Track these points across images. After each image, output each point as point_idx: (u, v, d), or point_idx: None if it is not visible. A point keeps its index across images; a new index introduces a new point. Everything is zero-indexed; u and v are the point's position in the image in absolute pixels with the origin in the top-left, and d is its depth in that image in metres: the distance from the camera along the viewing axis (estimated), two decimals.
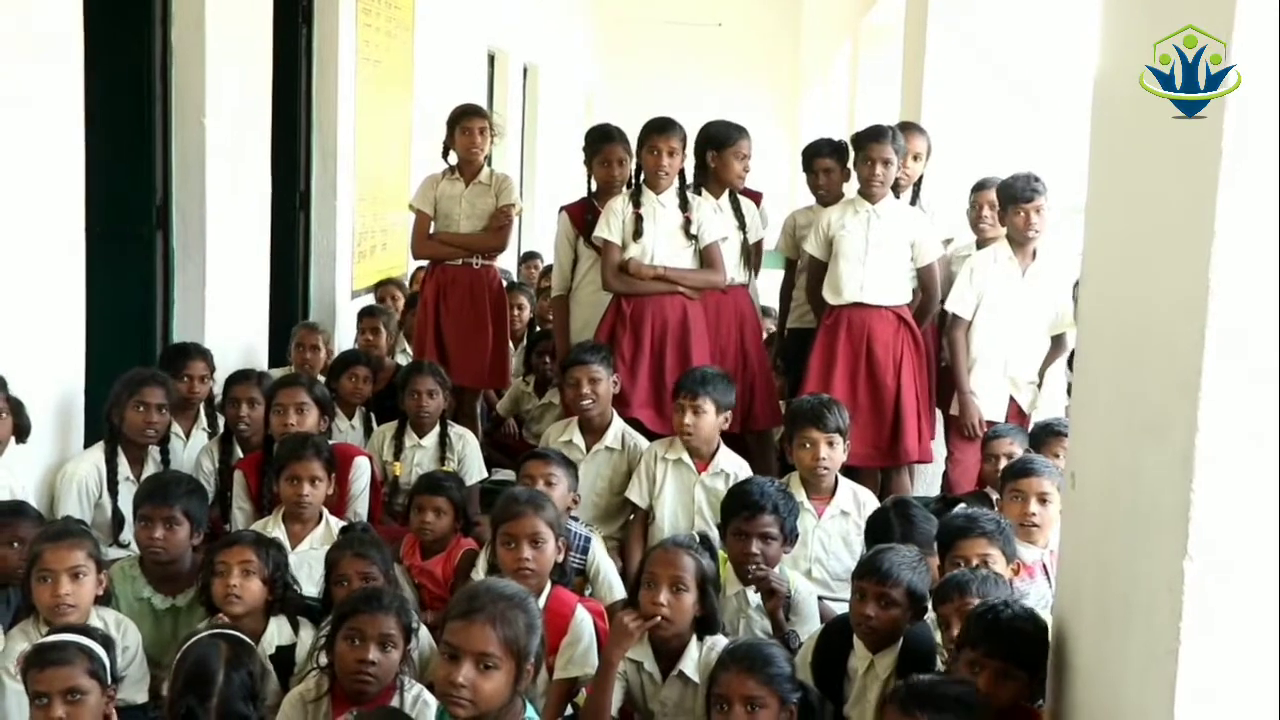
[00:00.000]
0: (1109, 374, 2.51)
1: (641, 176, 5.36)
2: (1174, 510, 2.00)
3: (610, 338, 5.30)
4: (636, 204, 5.29)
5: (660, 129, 5.29)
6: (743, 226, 5.55)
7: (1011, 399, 5.33)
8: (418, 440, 5.19)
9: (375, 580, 3.52)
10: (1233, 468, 1.95)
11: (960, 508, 4.29)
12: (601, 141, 5.70)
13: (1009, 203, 5.27)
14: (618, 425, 4.97)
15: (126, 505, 4.28)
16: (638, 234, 5.25)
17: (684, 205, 5.31)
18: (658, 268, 5.26)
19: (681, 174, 5.36)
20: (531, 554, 3.53)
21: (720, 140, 5.53)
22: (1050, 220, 5.20)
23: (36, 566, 3.30)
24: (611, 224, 5.30)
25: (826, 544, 4.42)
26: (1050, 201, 5.20)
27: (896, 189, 5.44)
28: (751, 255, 5.63)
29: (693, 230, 5.28)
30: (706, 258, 5.34)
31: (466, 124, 5.90)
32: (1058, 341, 5.32)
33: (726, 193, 5.55)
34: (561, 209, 5.89)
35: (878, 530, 4.02)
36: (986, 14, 7.47)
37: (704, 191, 5.52)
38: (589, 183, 5.81)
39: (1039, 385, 5.34)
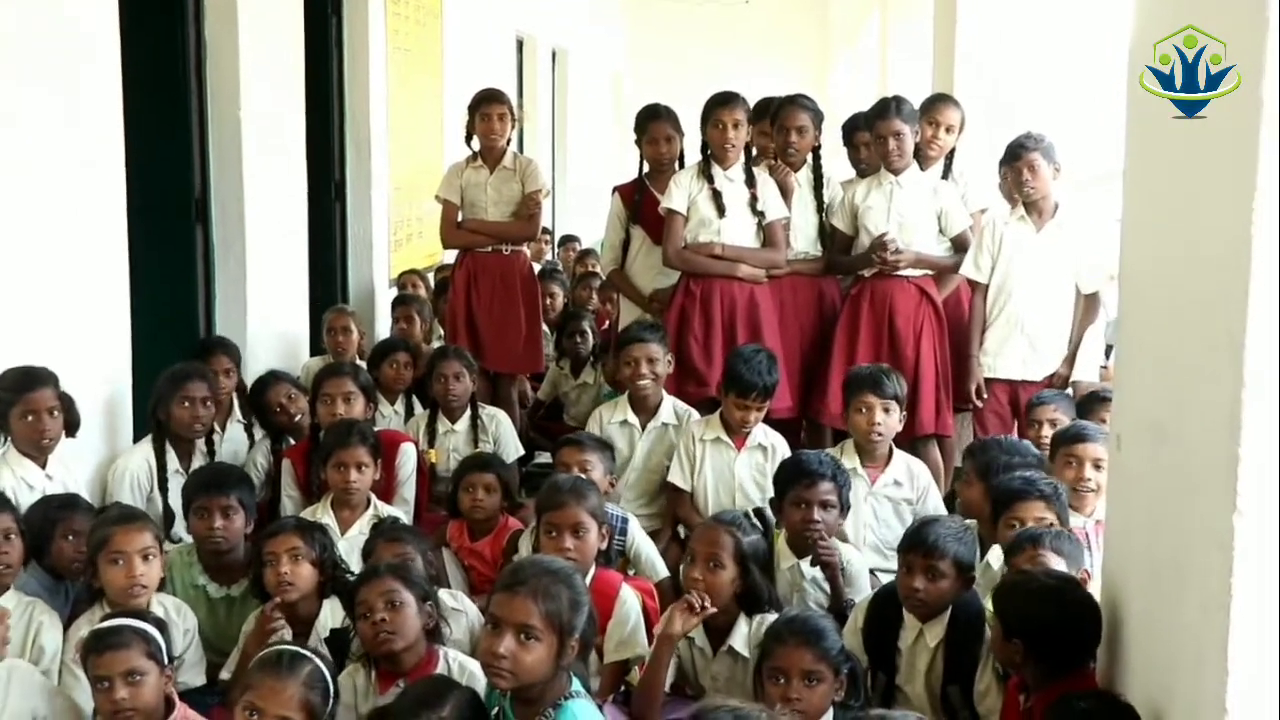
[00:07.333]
0: (1152, 332, 2.50)
1: (708, 151, 5.29)
2: (1222, 466, 1.99)
3: (680, 317, 5.27)
4: (710, 179, 5.24)
5: (723, 102, 5.24)
6: (821, 205, 5.43)
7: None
8: (450, 425, 5.20)
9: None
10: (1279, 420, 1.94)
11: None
12: (649, 120, 5.69)
13: (1005, 164, 5.25)
14: (669, 400, 4.95)
15: (175, 499, 4.32)
16: (721, 211, 5.20)
17: (750, 181, 5.26)
18: (716, 247, 5.21)
19: (747, 149, 5.31)
20: (574, 543, 3.53)
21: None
22: (1048, 175, 5.09)
23: (106, 550, 3.34)
24: (675, 195, 5.25)
25: (878, 511, 4.40)
26: (1051, 158, 5.09)
27: (926, 160, 5.40)
28: (828, 234, 5.44)
29: (759, 206, 5.25)
30: (768, 235, 5.28)
31: (485, 109, 5.89)
32: (1090, 301, 5.21)
33: (809, 167, 5.45)
34: (614, 189, 5.92)
35: None
36: None
37: (777, 164, 5.46)
38: (640, 162, 5.82)
39: (1074, 348, 5.23)
